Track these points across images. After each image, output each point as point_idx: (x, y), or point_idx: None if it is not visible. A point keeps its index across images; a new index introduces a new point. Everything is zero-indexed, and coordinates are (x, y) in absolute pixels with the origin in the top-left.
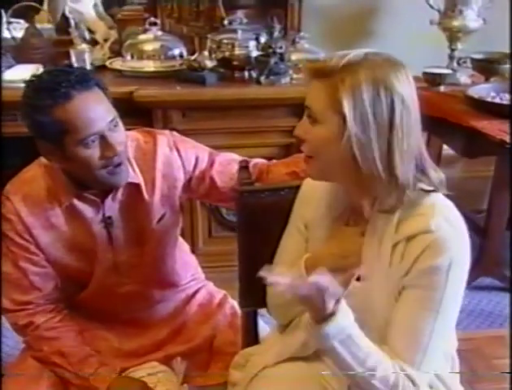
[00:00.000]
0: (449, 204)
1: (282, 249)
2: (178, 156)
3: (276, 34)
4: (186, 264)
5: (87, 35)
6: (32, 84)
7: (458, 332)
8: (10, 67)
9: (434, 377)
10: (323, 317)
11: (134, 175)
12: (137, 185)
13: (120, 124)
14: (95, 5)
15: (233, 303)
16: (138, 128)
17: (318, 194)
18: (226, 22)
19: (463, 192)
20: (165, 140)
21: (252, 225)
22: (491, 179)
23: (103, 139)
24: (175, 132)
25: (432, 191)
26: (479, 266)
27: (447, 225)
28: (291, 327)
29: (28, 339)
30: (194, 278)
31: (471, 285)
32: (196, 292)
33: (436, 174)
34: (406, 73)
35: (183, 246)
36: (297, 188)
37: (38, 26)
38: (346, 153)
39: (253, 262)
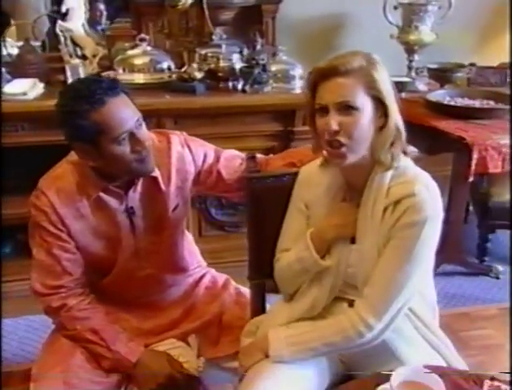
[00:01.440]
0: (427, 175)
1: (286, 228)
2: (189, 152)
3: (259, 47)
4: (192, 252)
5: (78, 51)
6: (68, 93)
7: None
8: (8, 81)
9: (417, 320)
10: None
11: None
12: (155, 178)
13: (143, 123)
14: (83, 24)
15: (236, 284)
16: (153, 130)
17: (316, 178)
18: (214, 37)
19: None
20: (177, 138)
21: (259, 206)
22: (449, 178)
23: (132, 136)
24: (184, 132)
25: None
26: (442, 254)
27: (426, 190)
28: (298, 293)
29: (60, 320)
30: (199, 265)
31: (436, 272)
32: (202, 276)
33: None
34: None
35: (188, 236)
36: (296, 174)
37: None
38: (391, 125)
39: (261, 238)
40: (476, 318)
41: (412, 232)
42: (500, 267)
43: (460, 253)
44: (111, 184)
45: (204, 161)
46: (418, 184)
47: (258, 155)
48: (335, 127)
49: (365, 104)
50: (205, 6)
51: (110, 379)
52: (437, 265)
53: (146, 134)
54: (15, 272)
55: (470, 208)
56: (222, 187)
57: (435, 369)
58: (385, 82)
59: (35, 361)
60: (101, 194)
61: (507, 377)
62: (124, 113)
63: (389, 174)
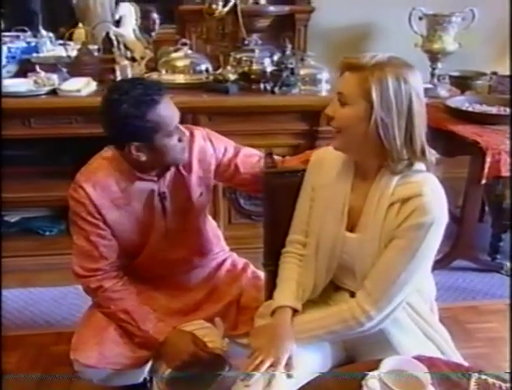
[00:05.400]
0: (434, 178)
1: (295, 211)
2: (211, 146)
3: (288, 52)
4: (216, 236)
5: (128, 54)
6: (122, 98)
7: (439, 304)
8: (65, 79)
9: (414, 313)
10: None
11: None
12: (178, 169)
13: None
14: (133, 29)
15: (254, 268)
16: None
17: (328, 163)
18: (247, 42)
19: (443, 189)
20: (200, 133)
21: (275, 199)
22: (465, 180)
23: (177, 127)
24: (207, 128)
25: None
26: (455, 250)
27: (432, 193)
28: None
29: (98, 299)
30: (222, 249)
31: (449, 266)
32: (224, 260)
33: (430, 154)
34: (418, 74)
35: (212, 222)
36: None
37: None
38: (372, 131)
39: (276, 229)
40: (483, 311)
41: (418, 234)
42: (510, 265)
43: (473, 250)
44: (144, 175)
45: (224, 154)
46: (425, 185)
47: (275, 157)
48: (327, 110)
49: (356, 102)
50: (239, 14)
51: (139, 354)
52: (451, 260)
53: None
54: (69, 246)
55: (486, 208)
56: (238, 180)
57: (425, 360)
58: (385, 93)
59: (75, 332)
60: (138, 182)
61: (495, 372)
62: (173, 109)
63: (395, 178)
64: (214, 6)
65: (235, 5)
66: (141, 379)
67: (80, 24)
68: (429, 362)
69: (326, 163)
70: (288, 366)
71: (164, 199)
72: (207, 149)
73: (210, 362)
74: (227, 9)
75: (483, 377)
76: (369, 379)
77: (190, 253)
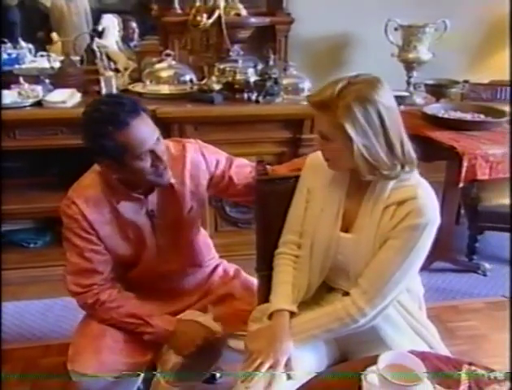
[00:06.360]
0: (427, 183)
1: (290, 211)
2: (203, 159)
3: (271, 63)
4: (207, 246)
5: (112, 65)
6: (93, 115)
7: None
8: (49, 91)
9: (404, 311)
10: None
11: None
12: (171, 184)
13: (161, 139)
14: (116, 41)
15: (245, 274)
16: (170, 138)
17: (323, 166)
18: (231, 53)
19: None
20: (192, 147)
21: (266, 206)
22: (442, 184)
23: (152, 152)
24: (199, 140)
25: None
26: (435, 252)
27: (426, 195)
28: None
29: (98, 313)
30: (213, 257)
31: (429, 268)
32: (215, 267)
33: (412, 153)
34: (382, 84)
35: (203, 231)
36: None
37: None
38: (358, 156)
39: (268, 234)
40: (463, 310)
41: (413, 234)
42: (487, 265)
43: (451, 252)
44: (133, 191)
45: (216, 167)
46: (419, 188)
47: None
48: (320, 147)
49: (336, 137)
50: (223, 25)
51: (136, 359)
52: (430, 262)
53: (163, 149)
54: (54, 258)
55: (462, 211)
56: (232, 191)
57: (418, 354)
58: (356, 123)
59: (70, 344)
60: (124, 202)
61: (484, 363)
62: (145, 132)
63: (391, 182)
64: (199, 18)
65: (219, 16)
66: (134, 389)
67: (55, 34)
68: (421, 356)
69: (322, 166)
70: (288, 367)
71: (153, 217)
72: (199, 162)
73: (212, 345)
74: (211, 20)
75: (473, 368)
76: (368, 374)
77: (183, 266)
